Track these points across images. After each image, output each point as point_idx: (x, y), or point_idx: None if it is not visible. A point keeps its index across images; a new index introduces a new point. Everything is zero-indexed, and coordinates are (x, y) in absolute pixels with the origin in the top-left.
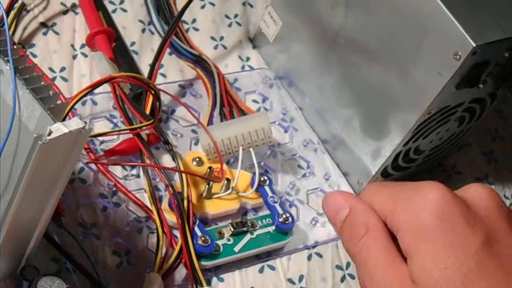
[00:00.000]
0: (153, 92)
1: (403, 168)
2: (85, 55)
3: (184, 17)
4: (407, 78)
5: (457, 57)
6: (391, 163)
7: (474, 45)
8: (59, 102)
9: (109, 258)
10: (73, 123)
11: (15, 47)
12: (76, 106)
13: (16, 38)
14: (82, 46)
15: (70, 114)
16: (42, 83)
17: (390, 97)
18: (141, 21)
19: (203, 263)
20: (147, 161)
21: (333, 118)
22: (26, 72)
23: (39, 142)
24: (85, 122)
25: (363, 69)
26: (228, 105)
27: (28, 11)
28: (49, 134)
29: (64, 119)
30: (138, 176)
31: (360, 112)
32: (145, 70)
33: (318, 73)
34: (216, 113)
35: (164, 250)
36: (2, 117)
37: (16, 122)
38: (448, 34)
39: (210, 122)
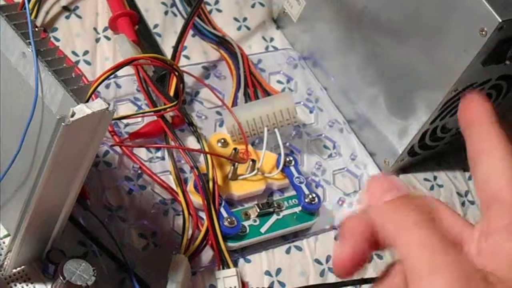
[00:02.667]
0: (176, 73)
1: (430, 147)
2: (108, 38)
3: None
4: (432, 55)
5: (483, 33)
6: (418, 142)
7: (500, 20)
8: (81, 83)
9: (135, 241)
10: (96, 104)
11: (36, 29)
12: (100, 89)
13: (39, 22)
14: (105, 29)
15: (93, 96)
16: (64, 65)
17: (416, 75)
18: (163, 3)
19: (230, 244)
20: (172, 143)
21: (359, 97)
22: (48, 54)
23: (62, 123)
24: (109, 103)
25: (388, 47)
26: (252, 86)
27: None
28: (72, 116)
29: (87, 101)
30: (163, 158)
31: (385, 90)
32: (168, 53)
33: (343, 53)
34: (241, 94)
35: (190, 232)
36: (25, 99)
37: (39, 104)
38: (473, 10)
39: (234, 103)
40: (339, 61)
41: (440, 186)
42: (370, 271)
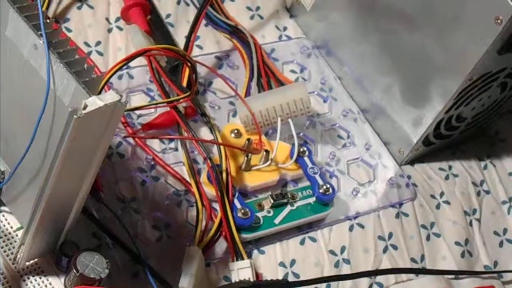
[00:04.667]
0: (189, 64)
1: (445, 136)
2: (120, 29)
3: None
4: (447, 44)
5: (499, 21)
6: (433, 131)
7: None
8: (94, 75)
9: (149, 232)
10: (109, 96)
11: (48, 21)
12: (112, 81)
13: (50, 14)
14: (117, 19)
15: (106, 88)
16: (77, 56)
17: (431, 64)
18: None
19: (244, 235)
20: (185, 134)
21: (373, 86)
22: (60, 46)
23: (74, 116)
24: (121, 95)
25: (403, 35)
26: (265, 76)
27: None
28: (84, 108)
29: (99, 93)
30: (176, 149)
31: (400, 79)
32: (181, 43)
33: (357, 41)
34: (254, 84)
35: (203, 223)
36: (38, 92)
37: (51, 96)
38: None
39: (247, 93)
40: (353, 50)
41: (455, 175)
42: (386, 263)
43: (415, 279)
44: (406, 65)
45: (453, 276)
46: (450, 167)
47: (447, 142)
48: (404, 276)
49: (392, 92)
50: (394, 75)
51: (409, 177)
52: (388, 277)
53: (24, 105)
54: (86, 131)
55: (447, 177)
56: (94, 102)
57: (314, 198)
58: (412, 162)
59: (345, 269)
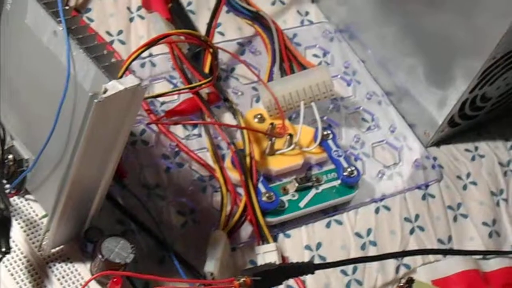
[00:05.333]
0: (210, 49)
1: (471, 117)
2: (142, 17)
3: None
4: (470, 23)
5: None
6: (458, 112)
7: None
8: (113, 60)
9: (174, 218)
10: (129, 81)
11: (67, 7)
12: (135, 69)
13: (72, 3)
14: (139, 8)
15: (127, 74)
16: (96, 42)
17: (454, 44)
18: None
19: (269, 219)
20: (208, 120)
21: (396, 68)
22: (79, 32)
23: (95, 100)
24: (141, 79)
25: (425, 16)
26: (288, 61)
27: None
28: (105, 92)
29: (120, 78)
30: (199, 135)
31: (423, 61)
32: (202, 30)
33: (379, 24)
34: (276, 69)
35: (228, 208)
36: (58, 78)
37: (72, 82)
38: None
39: (270, 78)
40: (376, 32)
41: (482, 156)
42: (412, 244)
43: (442, 260)
44: (429, 46)
45: (480, 257)
46: (476, 148)
47: (473, 122)
48: (431, 257)
49: (416, 74)
50: (417, 57)
51: (435, 158)
52: (415, 258)
53: (45, 92)
54: (107, 115)
55: (473, 158)
56: (114, 86)
57: (339, 181)
58: (437, 143)
59: (372, 252)
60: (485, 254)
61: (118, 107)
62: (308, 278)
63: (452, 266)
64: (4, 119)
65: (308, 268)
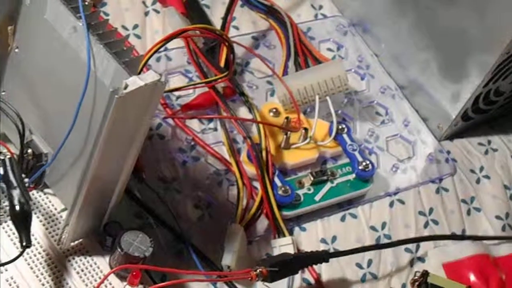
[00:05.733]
0: (226, 43)
1: (484, 111)
2: (157, 12)
3: None
4: (484, 17)
5: None
6: (471, 106)
7: None
8: (133, 56)
9: (191, 212)
10: (149, 76)
11: (86, 3)
12: (150, 63)
13: None
14: (154, 2)
15: (144, 69)
16: (115, 38)
17: (468, 38)
18: None
19: (285, 213)
20: (224, 114)
21: (410, 63)
22: (99, 28)
23: (116, 96)
24: (160, 75)
25: (439, 10)
26: (302, 55)
27: None
28: (125, 88)
29: (139, 73)
30: (215, 129)
31: (437, 55)
32: (217, 24)
33: (393, 18)
34: (291, 63)
35: (244, 202)
36: (78, 73)
37: (92, 78)
38: None
39: (285, 72)
40: (390, 26)
41: (495, 150)
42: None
43: (453, 244)
44: (443, 40)
45: (491, 242)
46: (489, 142)
47: (486, 116)
48: (442, 244)
49: (430, 68)
50: (431, 51)
51: (448, 152)
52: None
53: (64, 87)
54: (127, 111)
55: (486, 152)
56: (135, 82)
57: (354, 175)
58: (451, 137)
59: None
60: (495, 239)
61: (138, 103)
62: (323, 271)
63: (463, 250)
64: (23, 114)
65: (323, 256)
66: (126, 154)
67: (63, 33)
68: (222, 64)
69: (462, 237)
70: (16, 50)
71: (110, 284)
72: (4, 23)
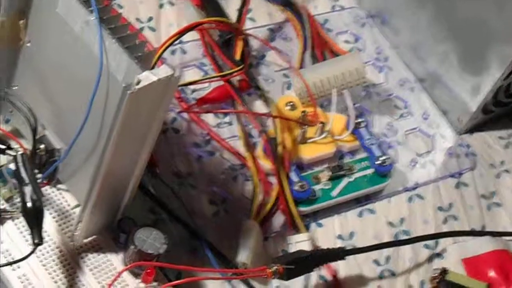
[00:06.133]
0: (242, 36)
1: (505, 104)
2: (172, 4)
3: None
4: (505, 8)
5: None
6: (492, 99)
7: None
8: (146, 50)
9: (206, 207)
10: (162, 71)
11: None
12: (165, 56)
13: None
14: None
15: (159, 63)
16: (128, 32)
17: (488, 30)
18: None
19: (301, 209)
20: (239, 108)
21: (429, 55)
22: (112, 21)
23: (128, 91)
24: (174, 69)
25: (459, 1)
26: (319, 47)
27: None
28: (138, 83)
29: (153, 68)
30: (230, 123)
31: (457, 46)
32: (233, 16)
33: (412, 9)
34: (308, 55)
35: (260, 197)
36: (90, 68)
37: (104, 72)
38: None
39: (301, 65)
40: (408, 18)
41: None
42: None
43: (473, 239)
44: (462, 32)
45: (510, 238)
46: (510, 135)
47: (507, 109)
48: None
49: (449, 60)
50: (451, 42)
51: (468, 146)
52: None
53: (77, 82)
54: (140, 106)
55: (507, 146)
56: (147, 77)
57: (371, 170)
58: (471, 131)
59: None
60: None
61: (151, 98)
62: (340, 268)
63: (482, 245)
64: (35, 108)
65: (340, 254)
66: (139, 149)
67: (75, 27)
68: (237, 57)
69: (481, 233)
70: (28, 44)
71: (124, 281)
72: (16, 17)
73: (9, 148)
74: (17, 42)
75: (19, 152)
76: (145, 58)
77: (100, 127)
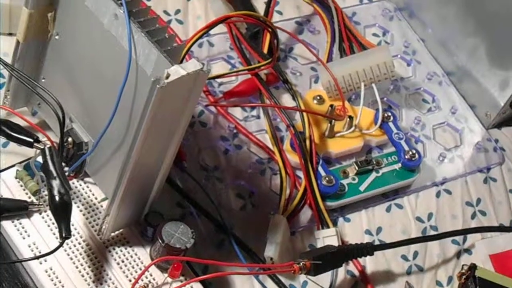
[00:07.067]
0: (270, 30)
1: None
2: None
3: None
4: None
5: None
6: None
7: None
8: (175, 44)
9: (233, 201)
10: (191, 65)
11: None
12: (192, 49)
13: None
14: None
15: (186, 56)
16: (157, 25)
17: None
18: None
19: (328, 203)
20: (267, 101)
21: (458, 48)
22: (140, 15)
23: (157, 85)
24: (203, 64)
25: None
26: (347, 40)
27: None
28: (167, 77)
29: (181, 62)
30: (258, 117)
31: (486, 41)
32: (260, 8)
33: (440, 2)
34: (336, 49)
35: (288, 192)
36: (119, 61)
37: (133, 66)
38: None
39: (329, 58)
40: (437, 11)
41: None
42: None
43: (501, 235)
44: (492, 25)
45: None
46: None
47: None
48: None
49: (478, 54)
50: (479, 36)
51: (496, 141)
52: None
53: (105, 75)
54: (169, 100)
55: None
56: (177, 71)
57: (399, 164)
58: (499, 125)
59: None
60: None
61: (180, 92)
62: (368, 263)
63: (510, 241)
64: (63, 101)
65: (367, 249)
66: (168, 143)
67: (104, 20)
68: (265, 50)
69: (510, 228)
70: (57, 37)
71: (151, 275)
72: (44, 9)
73: (37, 141)
74: (46, 35)
75: (47, 146)
76: (174, 52)
77: (129, 121)
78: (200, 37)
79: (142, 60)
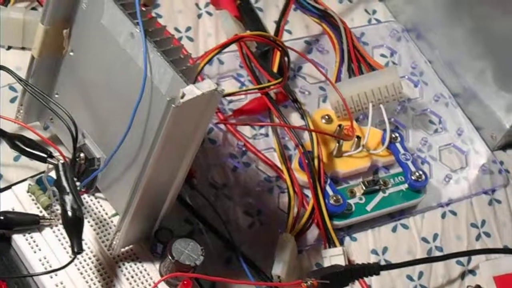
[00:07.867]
0: (281, 49)
1: None
2: (210, 14)
3: None
4: None
5: None
6: None
7: None
8: (189, 64)
9: (241, 219)
10: (205, 85)
11: (143, 9)
12: None
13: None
14: (207, 4)
15: (199, 77)
16: (172, 45)
17: None
18: None
19: (336, 222)
20: (276, 120)
21: (465, 70)
22: (156, 34)
23: (173, 105)
24: (217, 84)
25: (496, 18)
26: (356, 61)
27: None
28: (182, 97)
29: (195, 81)
30: (267, 135)
31: (493, 64)
32: (270, 27)
33: (448, 25)
34: (344, 69)
35: (295, 210)
36: (134, 80)
37: (148, 85)
38: None
39: (338, 78)
40: (444, 33)
41: None
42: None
43: (505, 256)
44: (499, 49)
45: None
46: None
47: None
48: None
49: (485, 77)
50: (487, 59)
51: (501, 163)
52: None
53: (120, 93)
54: (184, 119)
55: None
56: (192, 91)
57: (406, 185)
58: (504, 147)
59: None
60: None
61: (194, 111)
62: (374, 283)
63: None
64: (76, 117)
65: (374, 269)
66: (181, 161)
67: (120, 39)
68: (275, 69)
69: None
70: (71, 53)
71: None
72: (60, 26)
73: (51, 156)
74: (60, 51)
75: (61, 161)
76: (189, 71)
77: (142, 139)
78: (213, 56)
79: (157, 79)
